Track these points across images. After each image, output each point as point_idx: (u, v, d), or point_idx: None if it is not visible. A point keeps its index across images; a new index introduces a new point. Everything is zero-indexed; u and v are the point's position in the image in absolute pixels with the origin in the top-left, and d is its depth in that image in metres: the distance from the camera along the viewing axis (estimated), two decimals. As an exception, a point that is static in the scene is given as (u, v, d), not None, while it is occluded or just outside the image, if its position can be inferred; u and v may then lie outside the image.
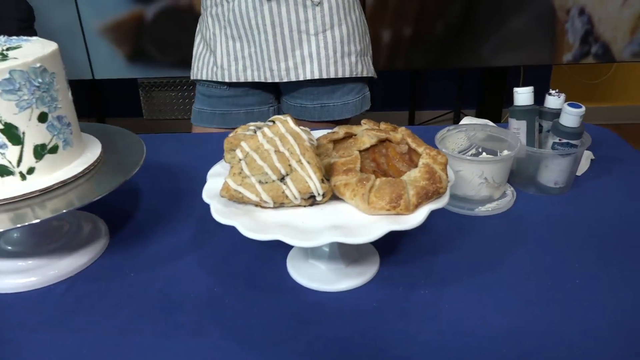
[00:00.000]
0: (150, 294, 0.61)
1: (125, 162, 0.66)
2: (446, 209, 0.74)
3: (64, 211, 0.56)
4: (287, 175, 0.51)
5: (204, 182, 0.82)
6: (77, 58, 2.15)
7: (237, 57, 1.07)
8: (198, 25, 1.16)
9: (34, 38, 0.64)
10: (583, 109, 0.72)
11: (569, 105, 0.72)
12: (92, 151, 0.66)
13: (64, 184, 0.60)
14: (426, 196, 0.51)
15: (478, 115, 2.64)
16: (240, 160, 0.53)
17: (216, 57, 1.09)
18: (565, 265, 0.62)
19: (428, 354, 0.51)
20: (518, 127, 0.78)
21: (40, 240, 0.66)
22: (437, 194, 0.52)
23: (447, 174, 0.53)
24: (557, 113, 0.76)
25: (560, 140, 0.73)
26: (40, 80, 0.56)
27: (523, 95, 0.77)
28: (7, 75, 0.53)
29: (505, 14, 2.03)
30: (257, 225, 0.50)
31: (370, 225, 0.50)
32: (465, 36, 2.08)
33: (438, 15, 2.06)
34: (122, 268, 0.65)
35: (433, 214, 0.53)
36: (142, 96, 2.61)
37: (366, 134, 0.58)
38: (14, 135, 0.56)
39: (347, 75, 1.07)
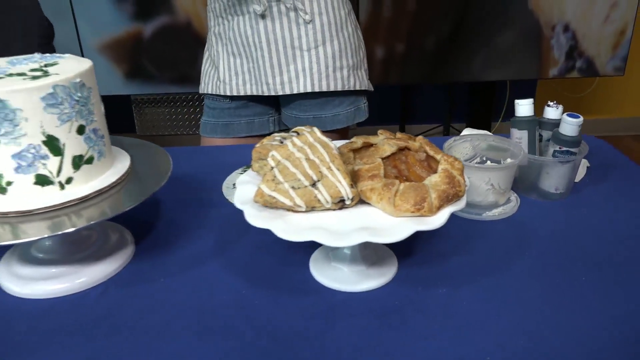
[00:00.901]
0: (180, 297, 0.63)
1: (152, 173, 0.70)
2: (455, 214, 0.78)
3: (99, 220, 0.59)
4: (318, 181, 0.55)
5: (218, 191, 0.85)
6: (74, 75, 2.17)
7: (238, 72, 1.14)
8: (206, 43, 1.22)
9: (67, 55, 0.67)
10: (581, 119, 0.77)
11: (568, 115, 0.77)
12: (122, 162, 0.69)
13: (98, 193, 0.63)
14: (447, 199, 0.55)
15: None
16: (272, 167, 0.56)
17: (219, 72, 1.15)
18: (570, 266, 0.67)
19: (450, 348, 0.55)
20: (520, 137, 0.82)
21: (71, 249, 0.68)
22: (456, 197, 0.56)
23: (464, 179, 0.58)
24: (555, 123, 0.81)
25: (560, 148, 0.78)
26: (79, 94, 0.59)
27: (524, 107, 0.82)
28: (51, 90, 0.57)
29: (493, 31, 2.11)
30: (290, 227, 0.54)
31: (397, 226, 0.54)
32: (455, 52, 2.16)
33: (429, 31, 2.13)
34: (151, 274, 0.68)
35: (444, 218, 0.57)
36: (135, 112, 2.64)
37: (387, 142, 0.62)
38: (55, 146, 0.59)
39: (339, 88, 1.12)
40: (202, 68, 1.22)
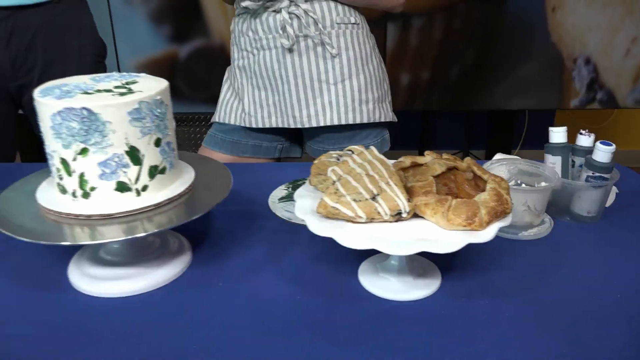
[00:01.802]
0: (240, 300, 0.68)
1: (213, 185, 0.75)
2: (493, 233, 0.82)
3: (168, 227, 0.64)
4: (378, 194, 0.60)
5: (264, 205, 0.91)
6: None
7: (263, 104, 1.17)
8: (226, 73, 1.26)
9: (142, 74, 0.74)
10: (614, 146, 0.82)
11: (601, 143, 0.82)
12: (188, 174, 0.75)
13: (169, 201, 0.69)
14: (495, 215, 0.60)
15: (487, 155, 2.75)
16: (334, 182, 0.62)
17: (244, 104, 1.19)
18: (607, 284, 0.71)
19: (493, 354, 0.59)
20: (554, 162, 0.87)
21: (138, 252, 0.73)
22: (504, 214, 0.61)
23: (510, 197, 0.62)
24: (587, 150, 0.86)
25: (593, 173, 0.83)
26: (159, 110, 0.65)
27: (558, 134, 0.87)
28: (137, 106, 0.63)
29: (516, 62, 2.18)
30: (352, 236, 0.59)
31: (450, 239, 0.58)
32: (479, 80, 2.22)
33: (454, 60, 2.20)
34: (210, 279, 0.73)
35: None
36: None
37: (436, 162, 0.67)
38: (135, 157, 0.65)
39: (365, 121, 1.15)
40: (221, 97, 1.25)
